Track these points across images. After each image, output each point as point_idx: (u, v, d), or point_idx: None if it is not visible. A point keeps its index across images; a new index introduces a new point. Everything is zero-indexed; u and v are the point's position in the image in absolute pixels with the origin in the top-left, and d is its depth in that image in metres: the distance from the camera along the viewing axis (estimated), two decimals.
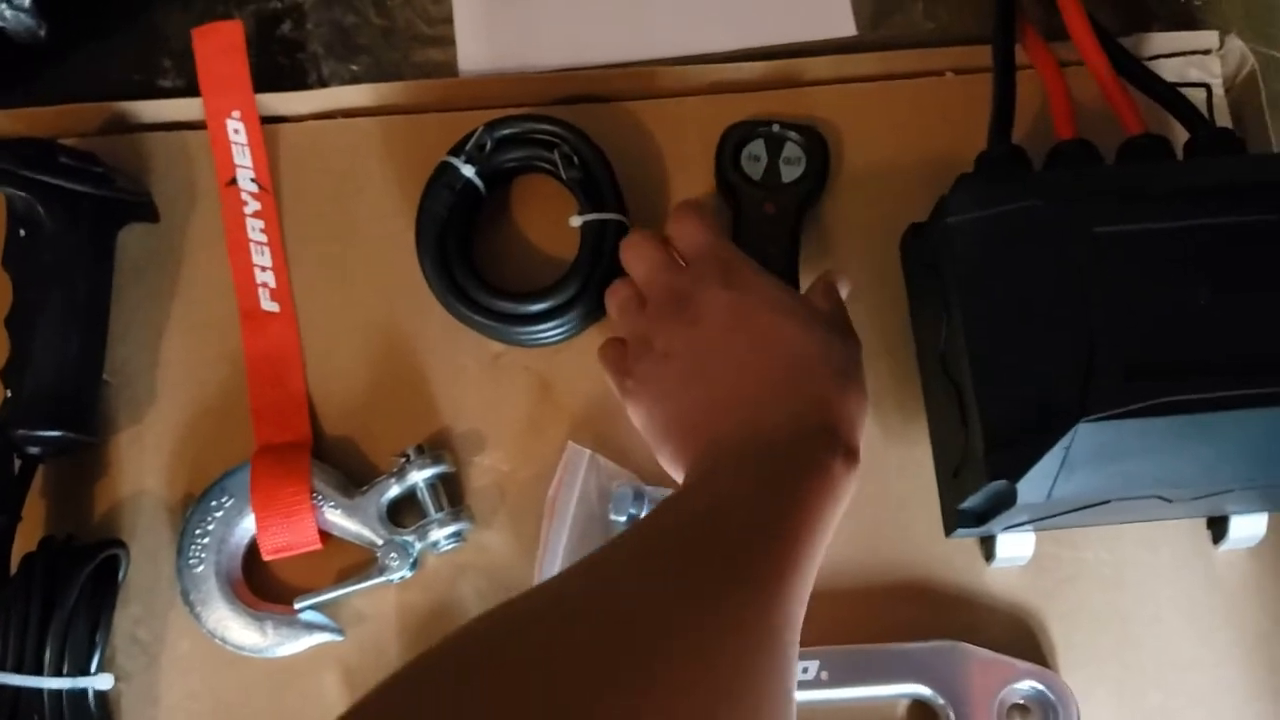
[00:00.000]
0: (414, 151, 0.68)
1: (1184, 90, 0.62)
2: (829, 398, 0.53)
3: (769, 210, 0.64)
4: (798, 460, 0.50)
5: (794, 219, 0.64)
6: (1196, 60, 0.69)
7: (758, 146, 0.65)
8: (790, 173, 0.65)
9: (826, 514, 0.50)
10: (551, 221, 0.67)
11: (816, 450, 0.51)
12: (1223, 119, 0.68)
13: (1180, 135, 0.61)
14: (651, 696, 0.38)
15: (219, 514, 0.61)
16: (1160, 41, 0.69)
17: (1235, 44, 0.68)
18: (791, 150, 0.65)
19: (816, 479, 0.50)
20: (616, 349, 0.59)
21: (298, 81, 0.72)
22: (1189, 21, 0.71)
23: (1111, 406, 0.50)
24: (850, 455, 0.52)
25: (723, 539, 0.46)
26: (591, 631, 0.40)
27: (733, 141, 0.65)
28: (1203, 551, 0.62)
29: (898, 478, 0.63)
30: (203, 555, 0.61)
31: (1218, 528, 0.61)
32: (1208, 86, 0.63)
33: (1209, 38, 0.69)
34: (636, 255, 0.60)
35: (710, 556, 0.46)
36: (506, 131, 0.66)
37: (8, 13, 0.65)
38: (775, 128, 0.65)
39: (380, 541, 0.61)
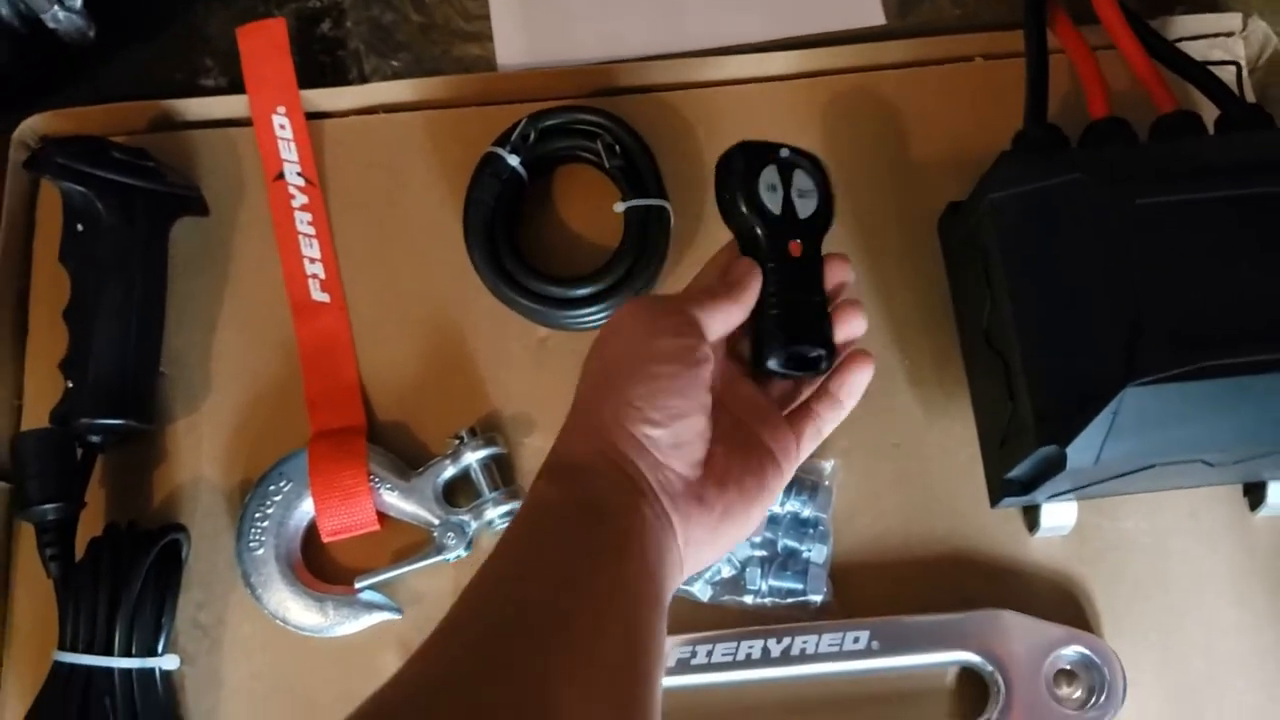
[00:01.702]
0: (455, 144, 0.70)
1: (1213, 69, 0.64)
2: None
3: (796, 252, 0.53)
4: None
5: (820, 261, 0.54)
6: (1220, 42, 0.71)
7: (771, 175, 0.53)
8: (806, 207, 0.54)
9: (518, 547, 0.45)
10: (594, 209, 0.68)
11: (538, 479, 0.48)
12: (1249, 99, 0.69)
13: (1209, 114, 0.63)
14: None
15: (278, 498, 0.63)
16: (1184, 24, 0.71)
17: (1259, 25, 0.70)
18: (802, 180, 0.54)
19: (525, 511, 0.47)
20: None
21: (339, 78, 0.74)
22: (1211, 5, 0.73)
23: (1158, 371, 0.51)
24: (551, 472, 0.47)
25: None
26: None
27: (744, 166, 0.53)
28: (1241, 519, 0.64)
29: (941, 453, 0.65)
30: (262, 539, 0.62)
31: (1255, 494, 0.63)
32: (1238, 64, 0.64)
33: (1232, 20, 0.71)
34: None
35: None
36: (550, 122, 0.67)
37: (60, 15, 0.67)
38: (785, 152, 0.54)
39: (437, 521, 0.62)
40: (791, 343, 0.52)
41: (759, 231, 0.52)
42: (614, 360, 0.49)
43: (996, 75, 0.70)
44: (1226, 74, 0.65)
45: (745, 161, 0.53)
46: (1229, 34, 0.71)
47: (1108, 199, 0.54)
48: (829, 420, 0.53)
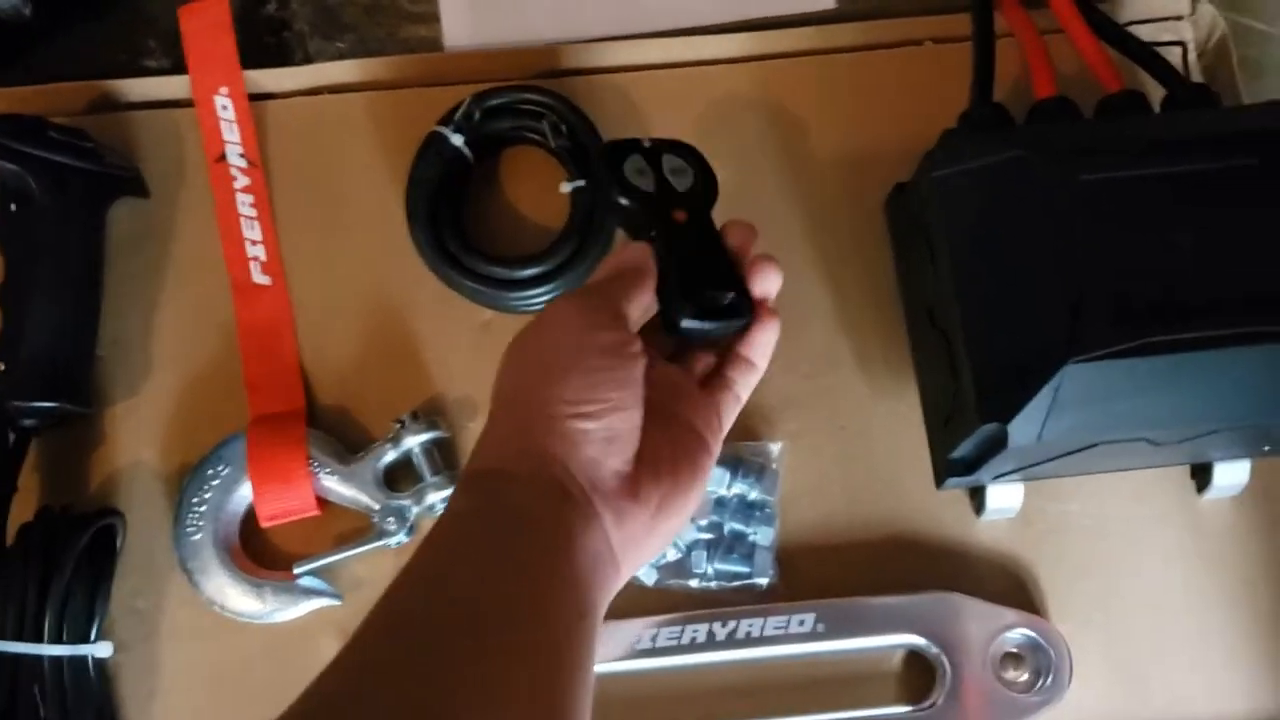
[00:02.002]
0: (401, 126, 0.69)
1: (1159, 50, 0.64)
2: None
3: (681, 219, 0.54)
4: None
5: (711, 225, 0.55)
6: (1169, 25, 0.70)
7: (637, 162, 0.55)
8: (682, 182, 0.55)
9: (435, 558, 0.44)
10: (540, 190, 0.68)
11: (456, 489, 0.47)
12: (1195, 78, 0.69)
13: (1156, 96, 0.63)
14: None
15: (215, 482, 0.62)
16: (1134, 7, 0.71)
17: (1206, 9, 0.70)
18: (672, 162, 0.56)
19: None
20: None
21: (284, 60, 0.73)
22: None
23: (1099, 347, 0.51)
24: (468, 481, 0.46)
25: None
26: None
27: (608, 163, 0.55)
28: (1187, 501, 0.64)
29: (888, 435, 0.64)
30: (200, 524, 0.61)
31: (1201, 477, 0.63)
32: (1183, 44, 0.64)
33: (1180, 3, 0.71)
34: None
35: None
36: (495, 102, 0.66)
37: None
38: (647, 143, 0.56)
39: (377, 506, 0.61)
40: (696, 291, 0.51)
41: (638, 209, 0.53)
42: (546, 353, 0.47)
43: (947, 59, 0.70)
44: (1174, 55, 0.65)
45: (608, 159, 0.55)
46: (1178, 17, 0.71)
47: (1051, 176, 0.54)
48: (745, 385, 0.52)
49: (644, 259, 0.51)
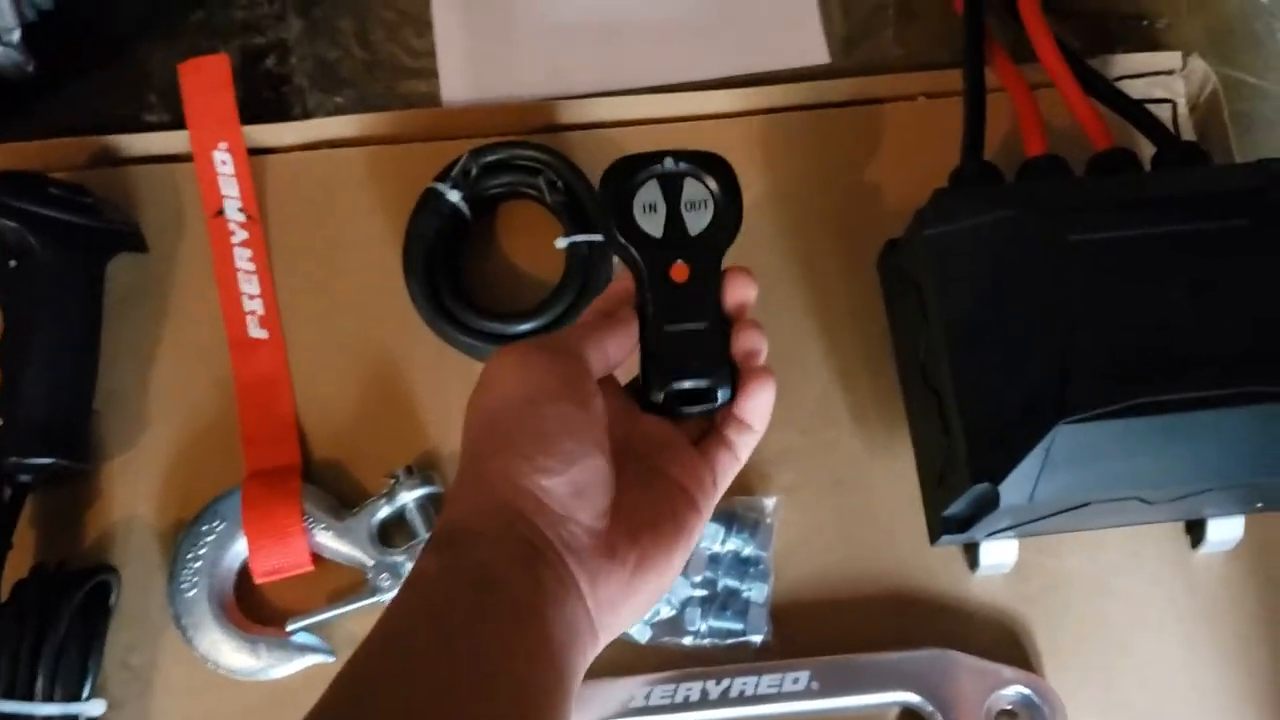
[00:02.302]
0: (399, 180, 0.69)
1: (1149, 107, 0.64)
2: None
3: (681, 277, 0.48)
4: None
5: (716, 280, 0.49)
6: (1161, 80, 0.71)
7: (651, 192, 0.49)
8: (698, 221, 0.49)
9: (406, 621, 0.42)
10: (536, 245, 0.68)
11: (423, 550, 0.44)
12: (1187, 136, 0.70)
13: (1146, 152, 0.63)
14: None
15: (210, 538, 0.62)
16: (1125, 63, 0.71)
17: (1198, 64, 0.70)
18: (694, 191, 0.49)
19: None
20: None
21: (283, 114, 0.73)
22: (1152, 44, 0.74)
23: (1090, 408, 0.51)
24: (436, 542, 0.44)
25: None
26: None
27: (616, 191, 0.49)
28: (1182, 556, 0.63)
29: (882, 490, 0.64)
30: (195, 579, 0.61)
31: (1196, 532, 0.62)
32: (1173, 102, 0.65)
33: (1172, 58, 0.71)
34: None
35: None
36: (491, 158, 0.67)
37: None
38: (668, 163, 0.49)
39: (371, 562, 0.61)
40: (671, 378, 0.48)
41: (636, 258, 0.49)
42: (496, 410, 0.45)
43: (939, 114, 0.70)
44: (1164, 112, 0.66)
45: (618, 183, 0.49)
46: (1169, 72, 0.71)
47: (1041, 235, 0.54)
48: (744, 446, 0.49)
49: (616, 304, 0.48)
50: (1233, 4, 0.75)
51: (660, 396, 0.48)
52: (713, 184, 0.50)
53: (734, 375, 0.48)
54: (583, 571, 0.43)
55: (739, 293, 0.49)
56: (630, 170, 0.49)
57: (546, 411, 0.43)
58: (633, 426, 0.48)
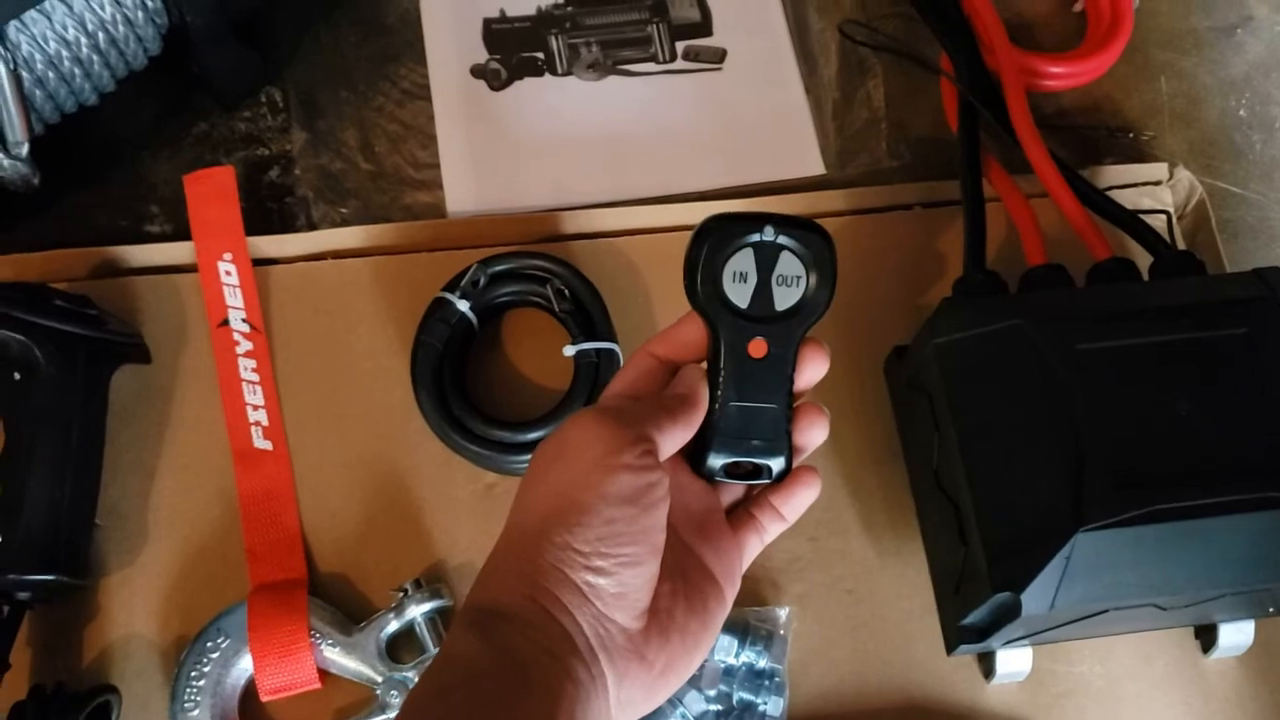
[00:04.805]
0: (403, 290, 0.70)
1: (1143, 216, 0.66)
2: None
3: (756, 354, 0.47)
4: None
5: (792, 362, 0.48)
6: (1149, 191, 0.73)
7: (744, 260, 0.47)
8: (786, 298, 0.47)
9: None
10: (543, 353, 0.68)
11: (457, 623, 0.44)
12: (1179, 244, 0.71)
13: (1142, 259, 0.65)
14: None
15: (215, 655, 0.60)
16: (1114, 174, 0.74)
17: (1184, 175, 0.73)
18: (789, 265, 0.47)
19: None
20: None
21: (287, 225, 0.74)
22: (1138, 156, 0.76)
23: (1107, 515, 0.51)
24: (471, 618, 0.43)
25: None
26: None
27: (711, 256, 0.47)
28: (1193, 661, 0.63)
29: (894, 598, 0.64)
30: (198, 699, 0.60)
31: (1206, 637, 0.63)
32: (1169, 213, 0.67)
33: (1159, 169, 0.74)
34: None
35: None
36: (500, 268, 0.68)
37: (5, 162, 0.66)
38: (767, 232, 0.47)
39: (380, 679, 0.60)
40: (733, 453, 0.48)
41: (716, 328, 0.47)
42: (560, 492, 0.43)
43: (935, 221, 0.72)
44: (1158, 222, 0.68)
45: (713, 244, 0.47)
46: (1156, 182, 0.73)
47: (1048, 345, 0.55)
48: (772, 533, 0.50)
49: (695, 388, 0.47)
50: (1214, 117, 0.77)
51: (719, 469, 0.49)
52: (809, 260, 0.47)
53: (790, 454, 0.49)
54: (612, 670, 0.43)
55: (813, 373, 0.48)
56: (726, 233, 0.47)
57: (614, 514, 0.43)
58: (677, 492, 0.47)
